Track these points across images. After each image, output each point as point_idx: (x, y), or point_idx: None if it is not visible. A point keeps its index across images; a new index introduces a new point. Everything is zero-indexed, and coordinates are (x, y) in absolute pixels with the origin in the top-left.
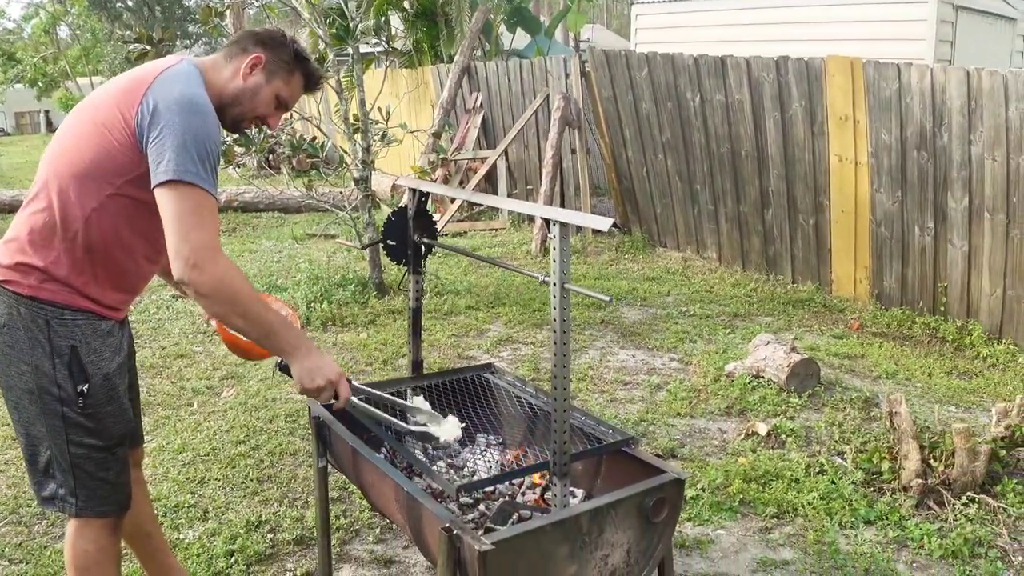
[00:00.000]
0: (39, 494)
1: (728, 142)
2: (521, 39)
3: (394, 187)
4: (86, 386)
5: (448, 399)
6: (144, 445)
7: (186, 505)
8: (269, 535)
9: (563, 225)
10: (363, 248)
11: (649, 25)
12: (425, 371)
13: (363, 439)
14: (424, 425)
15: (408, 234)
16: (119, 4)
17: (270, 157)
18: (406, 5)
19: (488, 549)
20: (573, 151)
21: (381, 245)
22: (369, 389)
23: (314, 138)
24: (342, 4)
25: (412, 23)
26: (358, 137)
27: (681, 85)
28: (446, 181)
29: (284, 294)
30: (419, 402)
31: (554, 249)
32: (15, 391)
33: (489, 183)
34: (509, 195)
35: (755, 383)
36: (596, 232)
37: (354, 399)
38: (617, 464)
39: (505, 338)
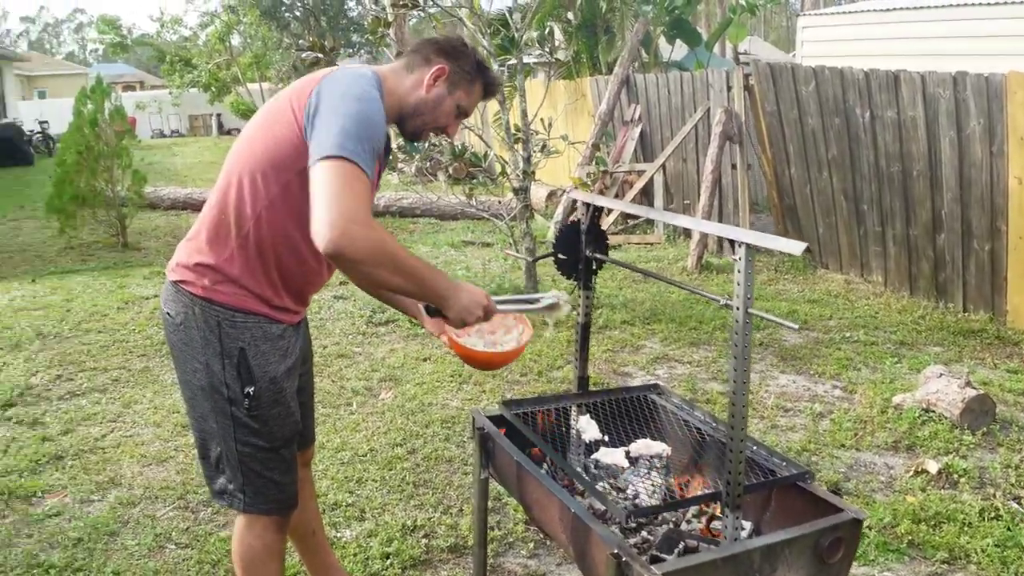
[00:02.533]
0: (211, 486)
1: (899, 161)
2: (679, 51)
3: (549, 197)
4: (252, 388)
5: (613, 418)
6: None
7: (344, 504)
8: (424, 540)
9: (748, 247)
10: (533, 260)
11: (816, 38)
12: (589, 388)
13: (527, 454)
14: (545, 299)
15: (580, 248)
16: (287, 14)
17: (428, 164)
18: (569, 16)
19: None
20: (733, 166)
21: (552, 259)
22: (507, 300)
23: (474, 148)
24: (506, 14)
25: (572, 34)
26: (519, 147)
27: (850, 100)
28: (602, 193)
29: None
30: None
31: (738, 272)
32: (190, 387)
33: (645, 197)
34: (665, 210)
35: (925, 417)
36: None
37: (501, 306)
38: (789, 498)
39: (661, 356)
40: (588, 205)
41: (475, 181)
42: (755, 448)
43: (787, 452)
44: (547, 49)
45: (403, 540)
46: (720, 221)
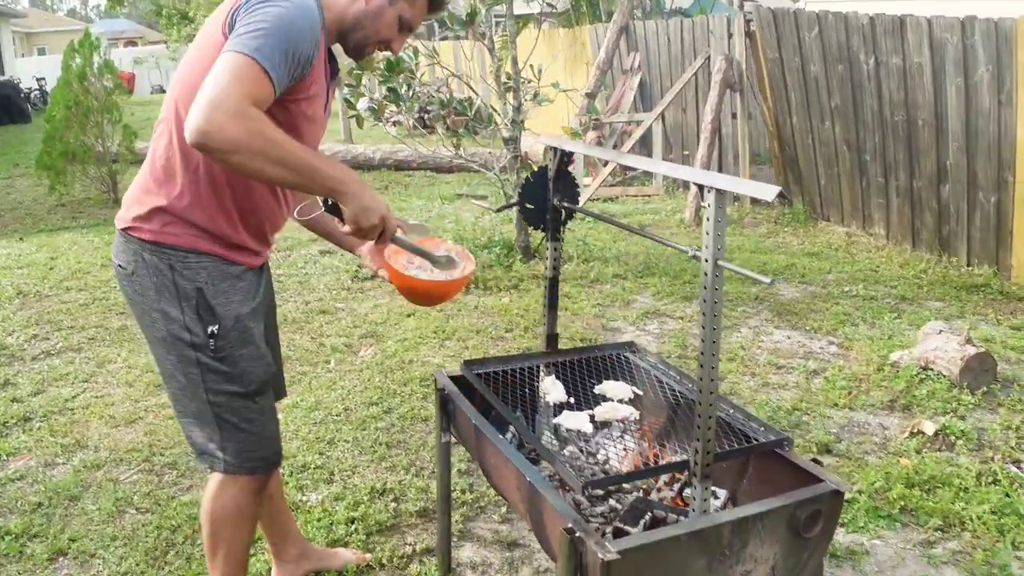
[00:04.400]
0: (193, 448)
1: (903, 109)
2: None
3: (547, 148)
4: (216, 327)
5: (584, 377)
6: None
7: (313, 466)
8: (392, 504)
9: (720, 192)
10: (497, 211)
11: None
12: (561, 346)
13: (488, 417)
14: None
15: (548, 197)
16: None
17: (425, 116)
18: None
19: (613, 559)
20: (734, 116)
21: (518, 208)
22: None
23: (468, 97)
24: None
25: None
26: (509, 96)
27: (854, 46)
28: (600, 144)
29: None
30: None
31: (707, 220)
32: (153, 343)
33: (644, 147)
34: (664, 160)
35: (923, 376)
36: (755, 202)
37: (398, 235)
38: (767, 466)
39: (652, 310)
40: (555, 150)
41: (462, 131)
42: (731, 412)
43: (777, 412)
44: None
45: (370, 504)
46: (720, 171)
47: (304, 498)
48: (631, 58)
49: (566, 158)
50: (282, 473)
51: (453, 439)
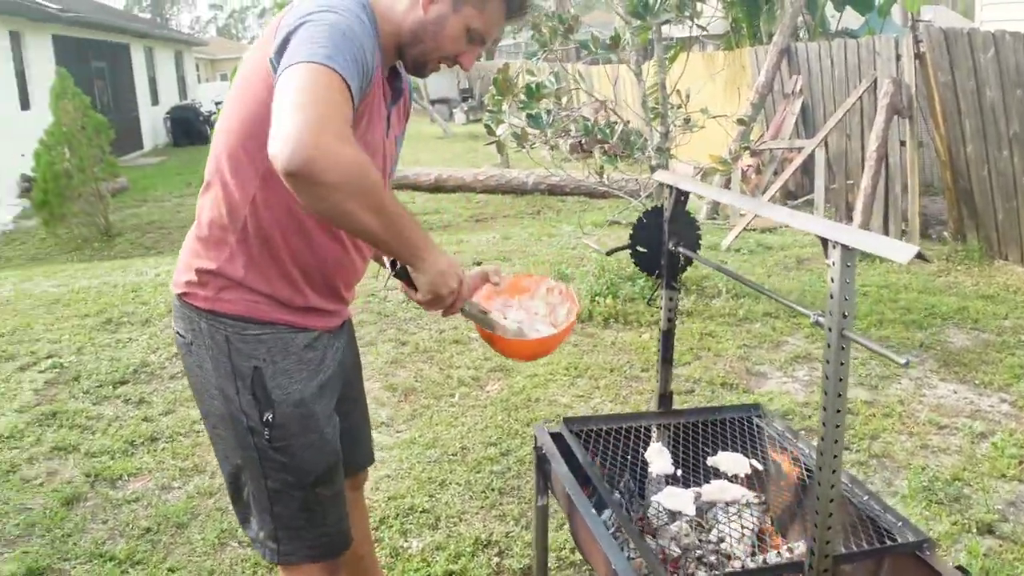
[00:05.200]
0: (246, 532)
1: None
2: (851, 19)
3: (702, 176)
4: (271, 414)
5: (698, 445)
6: (392, 444)
7: (420, 509)
8: (496, 559)
9: (846, 250)
10: (608, 254)
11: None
12: (699, 391)
13: (584, 486)
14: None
15: (663, 241)
16: None
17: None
18: None
19: None
20: (902, 143)
21: (629, 252)
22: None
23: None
24: None
25: (731, 2)
26: (656, 123)
27: None
28: (758, 172)
29: (570, 284)
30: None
31: (831, 281)
32: (211, 417)
33: (806, 175)
34: (827, 190)
35: None
36: (925, 235)
37: (467, 305)
38: (903, 572)
39: (803, 355)
40: (671, 188)
41: (617, 157)
42: (863, 499)
43: (934, 480)
44: (687, 15)
45: (472, 557)
46: (886, 204)
47: (406, 544)
48: (792, 81)
49: (683, 197)
50: (387, 516)
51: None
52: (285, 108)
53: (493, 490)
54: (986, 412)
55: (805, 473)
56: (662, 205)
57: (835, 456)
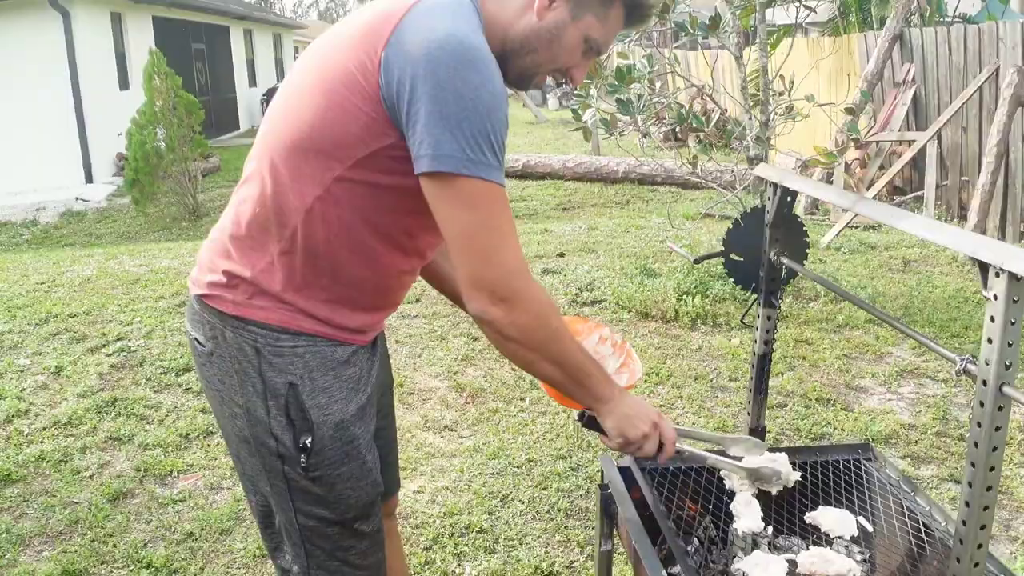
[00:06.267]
0: (277, 562)
1: None
2: (968, 4)
3: (804, 168)
4: (309, 439)
5: (795, 495)
6: (453, 450)
7: (477, 528)
8: None
9: (1015, 280)
10: (696, 262)
11: None
12: (791, 406)
13: (654, 535)
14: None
15: (764, 249)
16: None
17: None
18: None
19: None
20: None
21: (722, 260)
22: (689, 433)
23: (710, 110)
24: None
25: None
26: (756, 111)
27: None
28: (864, 165)
29: (657, 280)
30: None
31: (990, 320)
32: (232, 439)
33: (916, 170)
34: (938, 187)
35: None
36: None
37: (680, 445)
38: None
39: (910, 368)
40: (775, 187)
41: (700, 146)
42: None
43: None
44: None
45: None
46: (1004, 204)
47: (459, 569)
48: (904, 69)
49: (790, 198)
50: (441, 535)
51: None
52: (468, 253)
53: (559, 510)
54: None
55: (925, 538)
56: (762, 206)
57: (979, 546)
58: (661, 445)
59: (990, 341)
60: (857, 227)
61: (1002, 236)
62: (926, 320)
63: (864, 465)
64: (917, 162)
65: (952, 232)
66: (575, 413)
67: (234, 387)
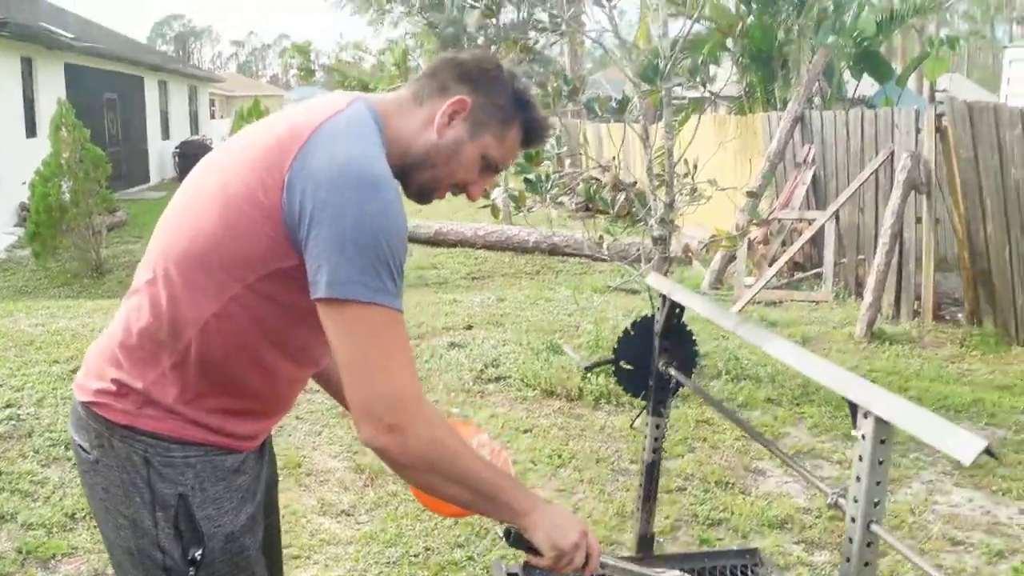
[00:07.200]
0: None
1: None
2: (868, 87)
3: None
4: (199, 551)
5: None
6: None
7: None
8: None
9: (881, 423)
10: (587, 370)
11: None
12: (688, 497)
13: None
14: None
15: (653, 359)
16: (468, 44)
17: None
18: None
19: None
20: (918, 220)
21: (612, 368)
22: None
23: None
24: (658, 41)
25: (746, 66)
26: (661, 192)
27: None
28: (766, 241)
29: (563, 357)
30: None
31: (859, 460)
32: (116, 550)
33: (816, 247)
34: (836, 264)
35: None
36: (938, 317)
37: (606, 558)
38: None
39: (807, 449)
40: (664, 298)
41: (610, 221)
42: None
43: None
44: (699, 80)
45: None
46: (899, 280)
47: None
48: (805, 150)
49: (678, 309)
50: None
51: None
52: (359, 379)
53: None
54: (1005, 525)
55: None
56: (651, 315)
57: None
58: (589, 558)
59: (859, 479)
60: (759, 303)
61: (896, 314)
62: (822, 399)
63: (752, 571)
64: (817, 240)
65: (823, 366)
66: (500, 530)
67: (119, 497)
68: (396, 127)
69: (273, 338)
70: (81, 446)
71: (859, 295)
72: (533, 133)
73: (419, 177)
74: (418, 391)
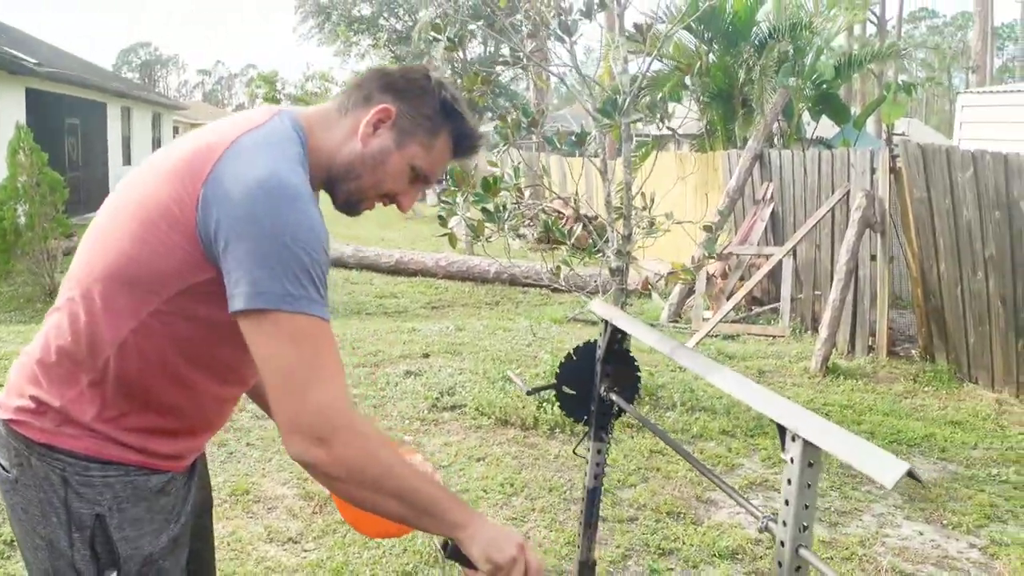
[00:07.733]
0: None
1: None
2: (827, 128)
3: (668, 276)
4: (114, 574)
5: None
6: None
7: None
8: None
9: (809, 447)
10: (529, 394)
11: (977, 119)
12: (642, 523)
13: None
14: None
15: (594, 384)
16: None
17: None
18: (687, 81)
19: None
20: (873, 257)
21: (554, 393)
22: None
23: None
24: (616, 78)
25: (706, 104)
26: (619, 224)
27: (1015, 192)
28: (724, 276)
29: (514, 386)
30: None
31: (787, 483)
32: (34, 571)
33: (773, 282)
34: (793, 299)
35: None
36: (892, 353)
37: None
38: None
39: (759, 481)
40: (605, 323)
41: (569, 252)
42: None
43: None
44: (658, 116)
45: None
46: (854, 316)
47: None
48: (764, 187)
49: (621, 335)
50: None
51: None
52: (284, 392)
53: None
54: (954, 559)
55: None
56: (594, 341)
57: None
58: (526, 572)
59: (787, 503)
60: (716, 336)
61: (852, 348)
62: (776, 432)
63: None
64: (774, 275)
65: (758, 392)
66: (437, 543)
67: (37, 517)
68: (320, 139)
69: (193, 356)
70: (1, 465)
71: (815, 330)
72: (463, 143)
73: (345, 188)
74: (348, 401)
